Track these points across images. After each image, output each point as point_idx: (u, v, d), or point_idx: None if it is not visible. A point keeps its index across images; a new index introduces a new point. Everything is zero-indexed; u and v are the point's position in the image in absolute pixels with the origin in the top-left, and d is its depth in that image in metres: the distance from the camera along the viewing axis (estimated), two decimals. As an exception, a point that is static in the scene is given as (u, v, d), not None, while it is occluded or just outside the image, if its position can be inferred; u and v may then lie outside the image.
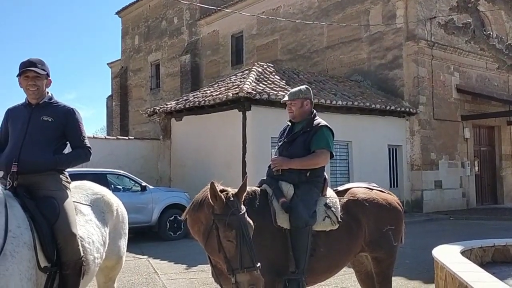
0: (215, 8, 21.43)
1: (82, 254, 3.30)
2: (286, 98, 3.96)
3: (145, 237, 11.12)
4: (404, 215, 4.19)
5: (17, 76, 3.44)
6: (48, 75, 3.50)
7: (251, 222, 3.04)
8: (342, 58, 18.88)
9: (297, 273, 3.46)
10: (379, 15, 17.71)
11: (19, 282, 2.86)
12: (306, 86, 4.12)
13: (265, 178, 3.83)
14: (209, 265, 3.58)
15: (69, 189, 3.52)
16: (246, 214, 3.03)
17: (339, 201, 3.77)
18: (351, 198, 3.86)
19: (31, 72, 3.39)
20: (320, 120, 3.91)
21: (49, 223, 3.17)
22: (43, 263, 3.07)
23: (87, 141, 3.60)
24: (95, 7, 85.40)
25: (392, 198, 4.10)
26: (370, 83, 17.71)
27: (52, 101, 3.55)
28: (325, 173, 3.89)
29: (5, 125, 3.59)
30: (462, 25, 11.00)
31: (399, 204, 4.09)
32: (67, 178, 3.55)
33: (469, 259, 5.59)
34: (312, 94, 4.07)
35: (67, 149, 3.61)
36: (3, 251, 2.82)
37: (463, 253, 5.70)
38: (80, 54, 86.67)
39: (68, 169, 3.61)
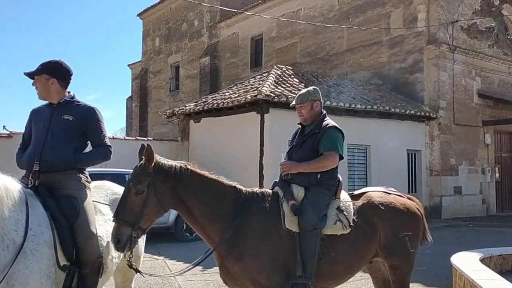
0: (235, 10, 21.52)
1: (101, 253, 3.34)
2: (294, 101, 3.91)
3: (161, 238, 11.19)
4: (425, 220, 4.07)
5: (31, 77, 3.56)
6: (54, 76, 3.51)
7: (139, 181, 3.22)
8: (361, 61, 18.77)
9: (304, 277, 3.41)
10: (400, 18, 17.58)
11: (38, 280, 2.91)
12: (314, 87, 4.05)
13: (277, 180, 3.80)
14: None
15: (89, 188, 3.57)
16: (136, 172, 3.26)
17: (353, 204, 3.70)
18: (366, 201, 3.79)
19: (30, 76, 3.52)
20: (329, 121, 3.84)
21: (69, 222, 3.22)
22: (63, 261, 3.12)
23: (107, 140, 3.63)
24: (117, 9, 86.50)
25: (411, 203, 3.99)
26: (390, 87, 17.56)
27: (73, 100, 3.61)
28: (339, 175, 3.82)
29: (29, 125, 3.67)
30: (485, 29, 10.86)
31: (418, 210, 3.99)
32: (87, 177, 3.60)
33: (489, 266, 5.51)
34: (321, 94, 4.01)
35: (88, 148, 3.66)
36: (23, 249, 2.87)
37: (482, 260, 5.63)
38: (101, 56, 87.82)
39: (88, 169, 3.66)
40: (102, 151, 3.60)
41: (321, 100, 3.99)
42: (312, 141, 3.75)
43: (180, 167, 3.38)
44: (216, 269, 3.62)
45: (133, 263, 3.45)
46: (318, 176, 3.66)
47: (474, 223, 15.20)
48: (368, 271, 4.16)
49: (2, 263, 2.77)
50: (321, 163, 3.67)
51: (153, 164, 3.27)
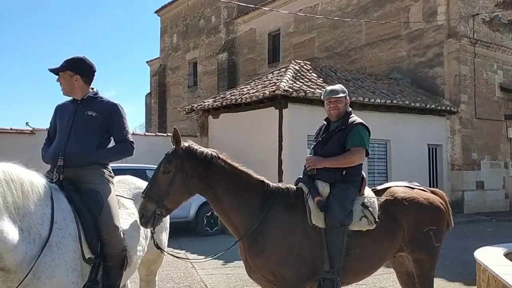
0: (252, 6, 21.50)
1: (124, 246, 3.38)
2: (330, 95, 3.84)
3: (182, 232, 11.28)
4: (449, 207, 4.06)
5: (56, 73, 3.61)
6: (77, 72, 3.55)
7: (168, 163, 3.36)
8: (380, 55, 18.60)
9: (332, 272, 3.43)
10: (420, 12, 17.35)
11: (64, 272, 2.96)
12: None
13: (301, 176, 3.79)
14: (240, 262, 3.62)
15: (112, 183, 3.61)
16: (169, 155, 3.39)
17: (377, 200, 3.69)
18: (390, 197, 3.77)
19: (54, 73, 3.57)
20: (355, 117, 3.84)
21: (93, 216, 3.27)
22: (88, 254, 3.16)
23: (130, 136, 3.66)
24: (135, 7, 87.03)
25: (434, 197, 3.97)
26: (410, 81, 17.38)
27: (97, 96, 3.65)
28: (363, 171, 3.82)
29: (54, 120, 3.72)
30: (508, 21, 10.67)
31: (442, 204, 3.96)
32: (110, 172, 3.64)
33: (513, 261, 5.43)
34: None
35: (111, 144, 3.70)
36: (48, 242, 2.92)
37: (506, 255, 5.55)
38: (120, 53, 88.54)
39: (110, 164, 3.70)
40: (125, 147, 3.64)
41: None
42: (338, 137, 3.74)
43: (211, 154, 3.45)
44: (238, 263, 3.66)
45: (156, 241, 3.51)
46: (344, 173, 3.66)
47: (497, 218, 15.00)
48: (392, 265, 4.14)
49: (29, 256, 2.82)
50: (348, 159, 3.67)
51: (183, 147, 3.38)
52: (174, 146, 3.40)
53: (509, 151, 17.74)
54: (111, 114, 3.60)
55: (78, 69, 3.56)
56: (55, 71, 3.56)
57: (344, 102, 3.84)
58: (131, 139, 3.67)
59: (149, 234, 3.74)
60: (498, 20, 10.92)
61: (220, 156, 3.49)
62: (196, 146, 3.47)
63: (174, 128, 3.41)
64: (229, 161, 3.53)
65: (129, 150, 3.66)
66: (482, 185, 16.85)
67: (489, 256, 5.36)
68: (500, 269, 4.68)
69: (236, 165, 3.56)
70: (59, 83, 3.58)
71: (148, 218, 3.27)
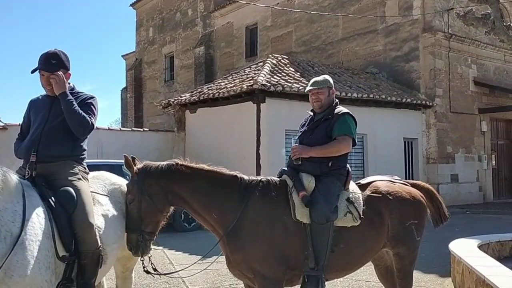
0: (229, -1, 21.38)
1: (99, 244, 3.31)
2: (312, 87, 3.82)
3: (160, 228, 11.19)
4: (440, 199, 4.11)
5: (32, 72, 3.45)
6: (66, 69, 3.48)
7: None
8: (357, 50, 18.72)
9: (317, 269, 3.38)
10: (395, 6, 17.51)
11: (38, 271, 2.89)
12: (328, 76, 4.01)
13: (285, 168, 3.73)
14: (223, 256, 3.59)
15: (87, 179, 3.53)
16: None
17: (362, 195, 3.65)
18: (374, 191, 3.74)
19: (46, 72, 3.42)
20: (341, 108, 3.80)
21: (67, 213, 3.20)
22: (62, 252, 3.10)
23: (93, 116, 3.51)
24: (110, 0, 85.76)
25: (416, 191, 3.98)
26: (386, 75, 17.54)
27: (74, 91, 3.57)
28: (348, 165, 3.77)
29: (27, 115, 3.62)
30: (481, 16, 10.80)
31: (422, 197, 3.98)
32: (85, 168, 3.57)
33: (487, 253, 5.55)
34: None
35: (87, 142, 3.63)
36: (20, 239, 2.85)
37: (480, 247, 5.66)
38: (95, 46, 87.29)
39: (85, 160, 3.62)
40: (87, 116, 3.45)
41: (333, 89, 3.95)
42: (325, 126, 3.69)
43: (167, 164, 3.44)
44: (215, 258, 3.62)
45: (146, 266, 3.55)
46: (330, 164, 3.60)
47: (471, 210, 15.28)
48: (371, 258, 4.15)
49: (0, 254, 2.75)
50: (335, 147, 3.61)
51: (137, 172, 3.38)
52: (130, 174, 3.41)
53: (483, 145, 18.08)
54: (83, 106, 3.50)
55: (66, 65, 3.50)
56: (50, 71, 3.40)
57: (326, 93, 3.80)
58: (93, 119, 3.50)
59: (124, 233, 3.65)
60: (472, 15, 11.03)
61: (180, 162, 3.46)
62: (151, 163, 3.46)
63: (124, 155, 3.39)
64: (192, 165, 3.50)
65: (87, 122, 3.44)
66: (456, 178, 17.15)
67: (463, 248, 5.46)
68: (474, 260, 4.76)
69: (202, 166, 3.53)
70: (49, 84, 3.44)
71: (135, 248, 3.39)
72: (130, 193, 3.39)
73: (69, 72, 3.53)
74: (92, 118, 3.52)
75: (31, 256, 2.87)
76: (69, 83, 3.57)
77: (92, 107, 3.56)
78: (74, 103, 3.45)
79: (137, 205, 3.34)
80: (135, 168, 3.40)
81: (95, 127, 3.60)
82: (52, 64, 3.42)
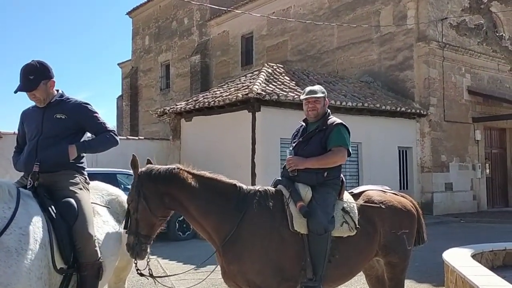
0: (225, 8, 21.45)
1: (100, 255, 3.30)
2: (308, 95, 3.80)
3: (154, 237, 11.15)
4: (422, 218, 4.11)
5: (15, 92, 3.43)
6: (48, 78, 3.45)
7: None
8: (352, 59, 18.82)
9: (315, 280, 3.37)
10: (390, 16, 17.64)
11: (27, 281, 2.83)
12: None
13: (280, 178, 3.72)
14: (218, 267, 3.57)
15: (88, 190, 3.53)
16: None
17: (356, 204, 3.67)
18: (366, 201, 3.76)
19: (27, 92, 3.41)
20: (334, 118, 3.81)
21: (68, 224, 3.18)
22: (60, 264, 3.07)
23: (109, 126, 3.59)
24: (107, 8, 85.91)
25: (406, 201, 4.00)
26: (381, 84, 17.62)
27: (63, 98, 3.56)
28: (342, 175, 3.78)
29: (21, 127, 3.63)
30: (474, 26, 10.89)
31: (413, 207, 4.00)
32: (86, 179, 3.56)
33: (480, 262, 5.55)
34: None
35: None
36: (6, 247, 2.78)
37: (473, 256, 5.66)
38: (91, 54, 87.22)
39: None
40: (109, 136, 3.55)
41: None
42: (320, 137, 3.69)
43: (168, 168, 3.39)
44: (210, 268, 3.61)
45: (141, 270, 3.49)
46: (325, 174, 3.61)
47: (465, 219, 15.30)
48: (363, 268, 4.16)
49: None
50: (330, 159, 3.62)
51: (140, 173, 3.33)
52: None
53: (477, 153, 18.15)
54: (81, 114, 3.52)
55: (47, 74, 3.46)
56: (30, 90, 3.41)
57: (322, 103, 3.80)
58: (112, 129, 3.60)
59: (122, 242, 3.64)
60: (465, 25, 11.12)
61: (181, 167, 3.42)
62: (153, 167, 3.40)
63: (133, 155, 3.34)
64: (190, 170, 3.45)
65: (114, 138, 3.58)
66: (450, 186, 17.19)
67: (457, 258, 5.45)
68: (467, 270, 4.76)
69: (203, 173, 3.49)
70: (34, 97, 3.45)
71: (131, 250, 3.30)
72: (131, 194, 3.34)
73: (52, 79, 3.49)
74: (108, 128, 3.59)
75: (18, 265, 2.80)
76: (57, 90, 3.56)
77: (97, 119, 3.57)
78: (92, 142, 3.54)
79: (134, 206, 3.30)
80: (139, 169, 3.36)
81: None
82: (30, 80, 3.38)
